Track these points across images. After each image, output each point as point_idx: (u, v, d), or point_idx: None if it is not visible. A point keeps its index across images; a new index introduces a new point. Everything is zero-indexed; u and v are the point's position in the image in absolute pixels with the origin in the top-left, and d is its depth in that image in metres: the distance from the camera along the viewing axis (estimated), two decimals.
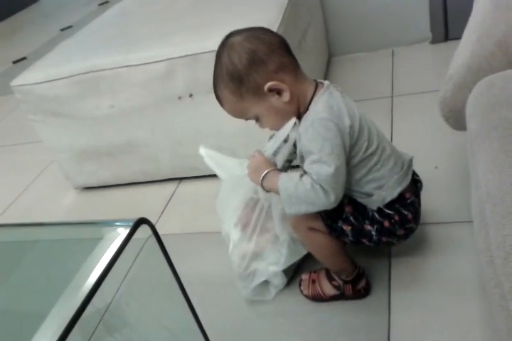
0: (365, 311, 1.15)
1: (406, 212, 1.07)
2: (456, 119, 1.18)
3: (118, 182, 1.89)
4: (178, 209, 1.71)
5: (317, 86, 1.02)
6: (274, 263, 1.22)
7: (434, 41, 2.26)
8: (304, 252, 1.22)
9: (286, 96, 0.98)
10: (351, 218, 1.07)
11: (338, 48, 2.40)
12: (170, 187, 1.83)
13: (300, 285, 1.23)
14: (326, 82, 1.04)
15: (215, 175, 1.77)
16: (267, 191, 1.07)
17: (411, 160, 1.11)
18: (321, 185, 0.95)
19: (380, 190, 1.05)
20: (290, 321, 1.18)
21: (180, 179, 1.84)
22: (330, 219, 1.07)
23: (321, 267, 1.23)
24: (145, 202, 1.79)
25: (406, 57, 2.23)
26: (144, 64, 1.58)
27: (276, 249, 1.20)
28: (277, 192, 1.02)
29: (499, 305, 0.65)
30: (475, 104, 0.97)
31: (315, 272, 1.23)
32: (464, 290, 1.12)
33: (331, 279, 1.18)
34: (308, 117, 1.00)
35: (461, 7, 2.06)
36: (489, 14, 1.13)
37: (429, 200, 1.33)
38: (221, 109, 1.08)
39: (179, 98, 1.61)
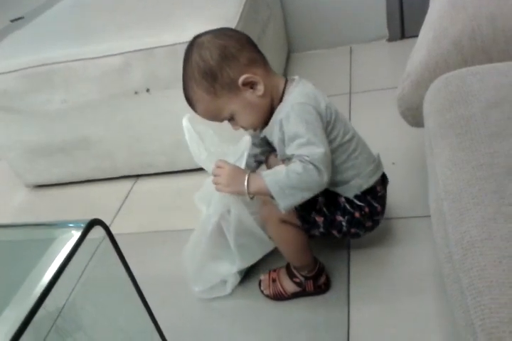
0: (325, 307, 1.15)
1: (376, 205, 1.10)
2: (413, 116, 1.20)
3: (72, 180, 1.83)
4: (134, 207, 1.67)
5: (287, 80, 1.05)
6: (228, 267, 1.21)
7: (390, 39, 2.29)
8: (257, 257, 1.21)
9: (260, 89, 0.99)
10: (324, 209, 1.08)
11: (297, 45, 2.41)
12: (127, 184, 1.78)
13: (260, 285, 1.22)
14: (297, 77, 1.05)
15: (172, 172, 1.76)
16: (252, 197, 1.03)
17: (378, 156, 1.15)
18: (314, 165, 0.93)
19: (357, 177, 1.08)
20: (249, 318, 1.17)
21: (138, 176, 1.80)
22: (304, 210, 1.07)
23: (280, 266, 1.22)
24: (101, 200, 1.74)
25: (364, 55, 2.26)
26: (99, 57, 1.52)
27: (230, 253, 1.18)
28: (266, 194, 0.97)
29: (458, 301, 0.66)
30: (432, 102, 0.98)
31: (274, 271, 1.22)
32: (421, 285, 1.14)
33: (292, 276, 1.18)
34: (284, 105, 1.01)
35: (417, 6, 2.10)
36: (446, 13, 1.14)
37: (387, 195, 1.34)
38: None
39: (136, 93, 1.57)
